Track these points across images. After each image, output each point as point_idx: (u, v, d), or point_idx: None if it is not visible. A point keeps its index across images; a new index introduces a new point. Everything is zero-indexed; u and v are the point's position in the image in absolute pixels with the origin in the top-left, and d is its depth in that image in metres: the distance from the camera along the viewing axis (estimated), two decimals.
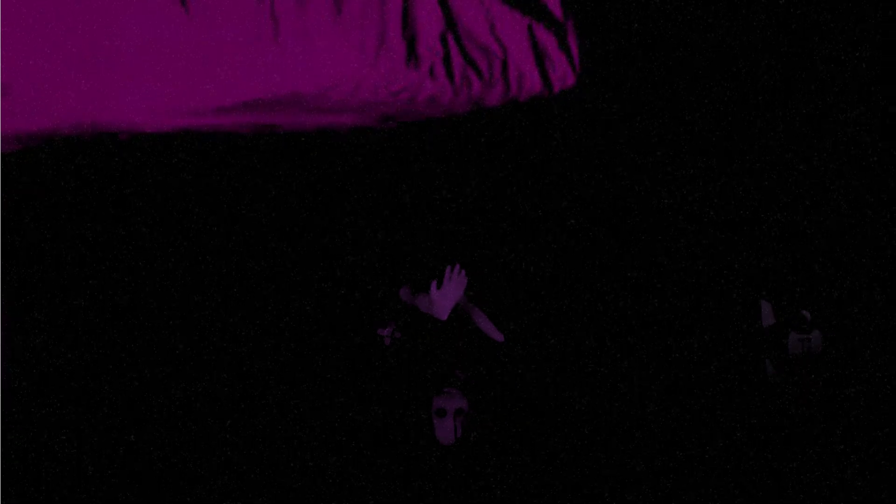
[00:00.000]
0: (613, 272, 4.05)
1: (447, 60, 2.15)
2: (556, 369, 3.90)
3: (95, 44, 2.05)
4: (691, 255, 4.10)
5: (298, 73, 2.10)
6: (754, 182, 4.10)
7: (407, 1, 2.12)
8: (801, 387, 4.14)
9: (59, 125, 2.20)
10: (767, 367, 4.18)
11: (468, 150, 3.94)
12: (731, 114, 3.99)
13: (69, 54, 2.06)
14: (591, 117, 3.94)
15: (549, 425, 3.74)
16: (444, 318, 3.49)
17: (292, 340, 3.74)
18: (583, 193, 4.05)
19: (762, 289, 4.21)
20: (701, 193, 4.09)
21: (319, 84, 2.12)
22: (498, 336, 3.64)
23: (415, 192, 3.94)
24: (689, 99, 3.94)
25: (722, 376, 4.04)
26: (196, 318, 3.73)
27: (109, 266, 3.69)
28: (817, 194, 4.12)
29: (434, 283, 3.49)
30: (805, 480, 3.89)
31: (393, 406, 3.40)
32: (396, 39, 2.11)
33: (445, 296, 3.48)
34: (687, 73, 3.89)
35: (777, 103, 3.98)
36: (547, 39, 2.24)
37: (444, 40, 2.14)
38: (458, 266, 3.51)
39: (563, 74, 2.27)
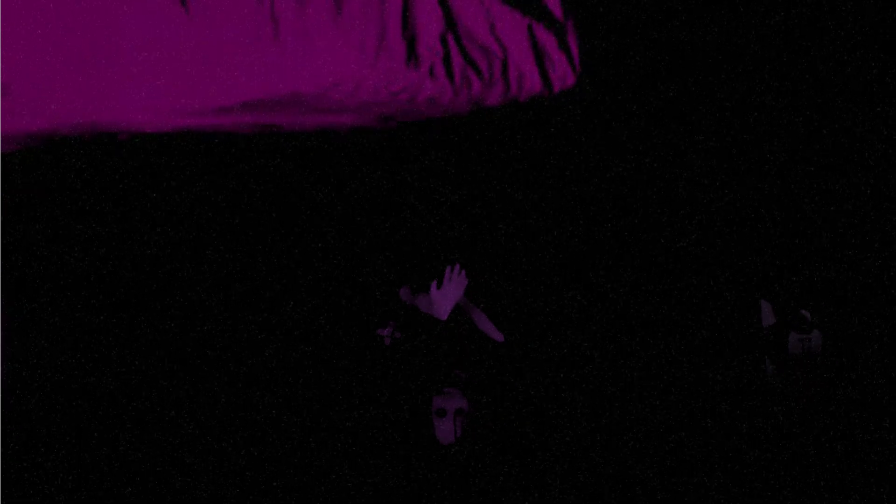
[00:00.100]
0: (613, 272, 4.05)
1: (447, 60, 2.15)
2: (556, 369, 3.90)
3: (95, 44, 2.05)
4: (691, 255, 4.10)
5: (298, 73, 2.10)
6: (754, 182, 4.10)
7: (407, 1, 2.12)
8: (801, 387, 4.14)
9: (59, 125, 2.20)
10: (767, 367, 4.18)
11: (468, 150, 3.94)
12: (731, 114, 3.99)
13: (69, 54, 2.06)
14: (591, 117, 3.94)
15: (549, 425, 3.74)
16: (444, 318, 3.49)
17: (292, 340, 3.74)
18: (583, 193, 4.05)
19: (762, 289, 4.21)
20: (701, 193, 4.09)
21: (319, 84, 2.12)
22: (498, 336, 3.64)
23: (415, 192, 3.94)
24: (688, 99, 3.94)
25: (722, 376, 4.04)
26: (196, 319, 3.73)
27: (109, 266, 3.69)
28: (817, 194, 4.12)
29: (434, 283, 3.49)
30: (805, 480, 3.89)
31: (393, 406, 3.40)
32: (396, 39, 2.11)
33: (445, 296, 3.48)
34: (687, 72, 3.89)
35: (777, 103, 3.98)
36: (547, 39, 2.24)
37: (444, 40, 2.14)
38: (458, 266, 3.51)
39: (563, 74, 2.27)
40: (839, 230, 4.13)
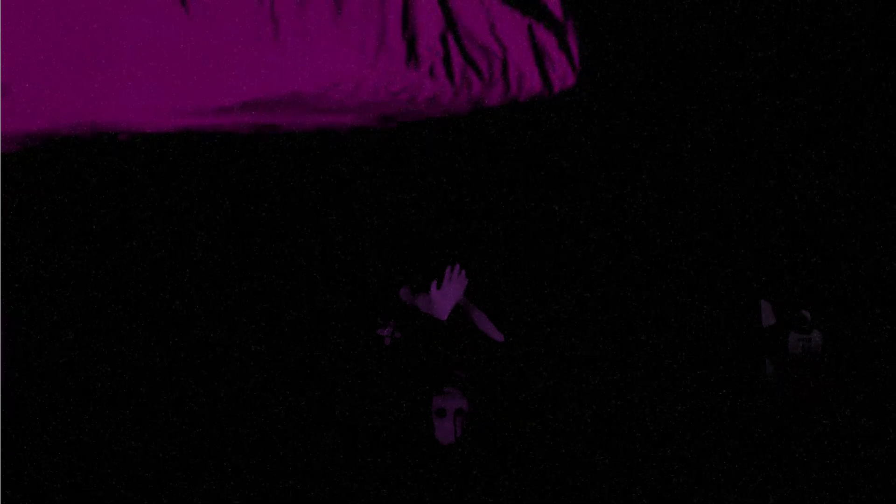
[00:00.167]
0: (613, 272, 4.05)
1: (447, 60, 2.15)
2: (556, 369, 3.90)
3: (95, 44, 2.05)
4: (691, 255, 4.10)
5: (298, 73, 2.10)
6: (754, 182, 4.10)
7: (407, 1, 2.12)
8: (801, 387, 4.14)
9: (59, 125, 2.20)
10: (767, 367, 4.18)
11: (468, 150, 3.94)
12: (730, 114, 3.99)
13: (69, 54, 2.06)
14: (591, 117, 3.93)
15: (549, 425, 3.74)
16: (444, 318, 3.49)
17: (292, 340, 3.74)
18: (583, 193, 4.05)
19: (762, 289, 4.21)
20: (701, 193, 4.09)
21: (319, 84, 2.12)
22: (498, 336, 3.64)
23: (415, 192, 3.94)
24: (689, 99, 3.94)
25: (722, 376, 4.04)
26: (196, 319, 3.73)
27: (110, 266, 3.69)
28: (817, 194, 4.12)
29: (434, 283, 3.49)
30: (805, 480, 3.89)
31: (393, 406, 3.40)
32: (396, 39, 2.11)
33: (445, 296, 3.48)
34: (687, 72, 3.89)
35: (777, 103, 3.98)
36: (547, 39, 2.24)
37: (444, 40, 2.14)
38: (458, 266, 3.51)
39: (563, 74, 2.27)
40: (839, 230, 4.13)
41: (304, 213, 3.86)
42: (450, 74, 2.16)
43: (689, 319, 4.05)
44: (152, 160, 3.65)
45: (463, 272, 3.51)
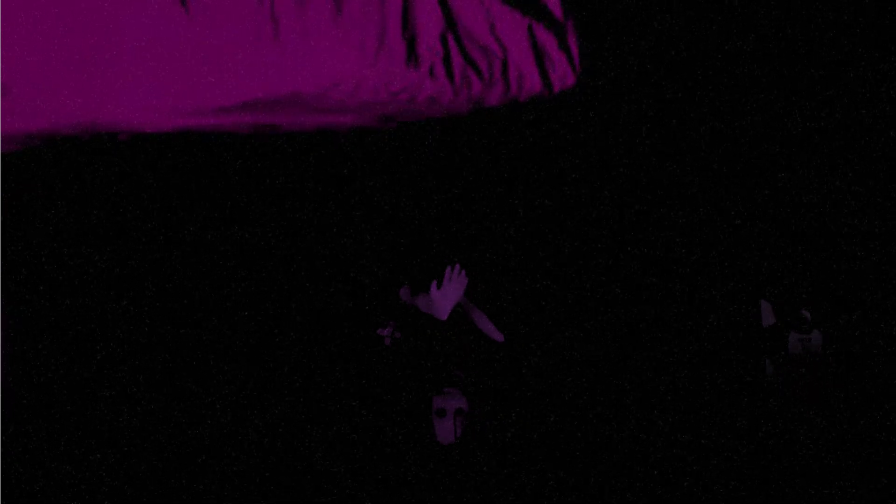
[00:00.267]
0: (613, 272, 4.05)
1: (447, 60, 2.15)
2: (556, 369, 3.90)
3: (95, 44, 2.05)
4: (691, 256, 4.10)
5: (298, 73, 2.10)
6: (755, 182, 4.10)
7: (407, 1, 2.12)
8: (801, 387, 4.14)
9: (59, 125, 2.19)
10: (767, 367, 4.18)
11: (468, 150, 3.94)
12: (731, 114, 3.99)
13: (69, 54, 2.06)
14: (591, 117, 3.93)
15: (549, 425, 3.74)
16: (444, 318, 3.49)
17: (292, 340, 3.74)
18: (583, 193, 4.05)
19: (762, 289, 4.21)
20: (701, 193, 4.09)
21: (319, 84, 2.12)
22: (498, 336, 3.64)
23: (415, 192, 3.94)
24: (689, 99, 3.94)
25: (722, 376, 4.04)
26: (196, 319, 3.73)
27: (110, 266, 3.69)
28: (817, 194, 4.12)
29: (434, 283, 3.49)
30: (805, 480, 3.89)
31: (393, 406, 3.40)
32: (396, 39, 2.11)
33: (445, 296, 3.48)
34: (687, 72, 3.89)
35: (777, 103, 3.98)
36: (547, 39, 2.24)
37: (444, 40, 2.14)
38: (458, 266, 3.51)
39: (563, 74, 2.27)
40: (839, 230, 4.13)
41: (305, 213, 3.86)
42: (450, 74, 2.16)
43: (689, 319, 4.05)
44: (152, 160, 3.65)
45: (463, 272, 3.51)
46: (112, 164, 3.63)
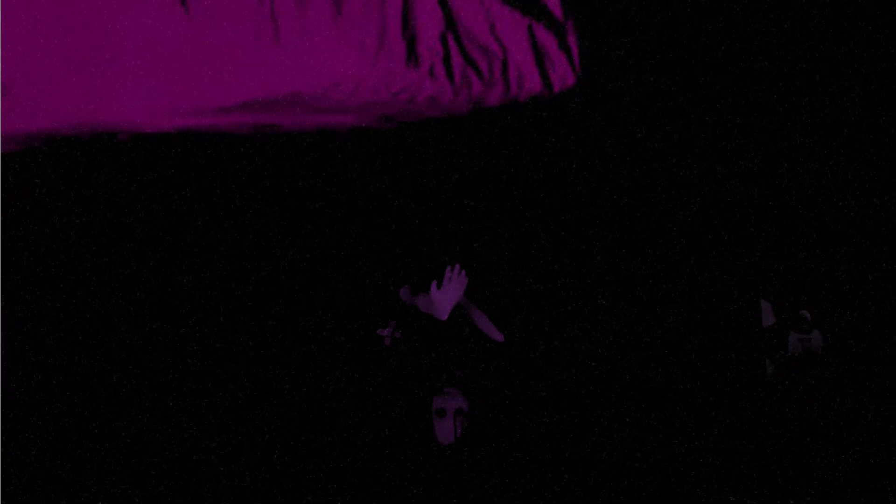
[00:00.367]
0: (613, 272, 4.05)
1: (447, 60, 2.15)
2: (557, 369, 3.90)
3: (95, 44, 2.05)
4: (691, 256, 4.10)
5: (298, 73, 2.10)
6: (755, 182, 4.10)
7: (407, 1, 2.12)
8: (801, 387, 4.14)
9: (59, 125, 2.20)
10: (767, 367, 4.18)
11: (468, 151, 3.94)
12: (731, 113, 3.99)
13: (69, 54, 2.06)
14: (591, 117, 3.93)
15: (549, 425, 3.74)
16: (444, 318, 3.49)
17: (292, 341, 3.74)
18: (583, 193, 4.05)
19: (762, 289, 4.21)
20: (701, 193, 4.09)
21: (319, 84, 2.13)
22: (498, 336, 3.64)
23: (415, 192, 3.94)
24: (689, 99, 3.94)
25: (722, 376, 4.04)
26: (196, 319, 3.73)
27: (110, 266, 3.69)
28: (818, 194, 4.12)
29: (434, 283, 3.49)
30: (805, 480, 3.89)
31: (393, 406, 3.40)
32: (396, 39, 2.11)
33: (445, 296, 3.48)
34: (687, 72, 3.89)
35: (777, 103, 3.98)
36: (547, 39, 2.24)
37: (444, 40, 2.15)
38: (458, 266, 3.51)
39: (563, 74, 2.27)
40: (838, 230, 4.13)
41: (305, 213, 3.86)
42: (450, 74, 2.16)
43: (689, 319, 4.05)
44: (152, 160, 3.65)
45: (463, 272, 3.51)
46: (112, 164, 3.63)
